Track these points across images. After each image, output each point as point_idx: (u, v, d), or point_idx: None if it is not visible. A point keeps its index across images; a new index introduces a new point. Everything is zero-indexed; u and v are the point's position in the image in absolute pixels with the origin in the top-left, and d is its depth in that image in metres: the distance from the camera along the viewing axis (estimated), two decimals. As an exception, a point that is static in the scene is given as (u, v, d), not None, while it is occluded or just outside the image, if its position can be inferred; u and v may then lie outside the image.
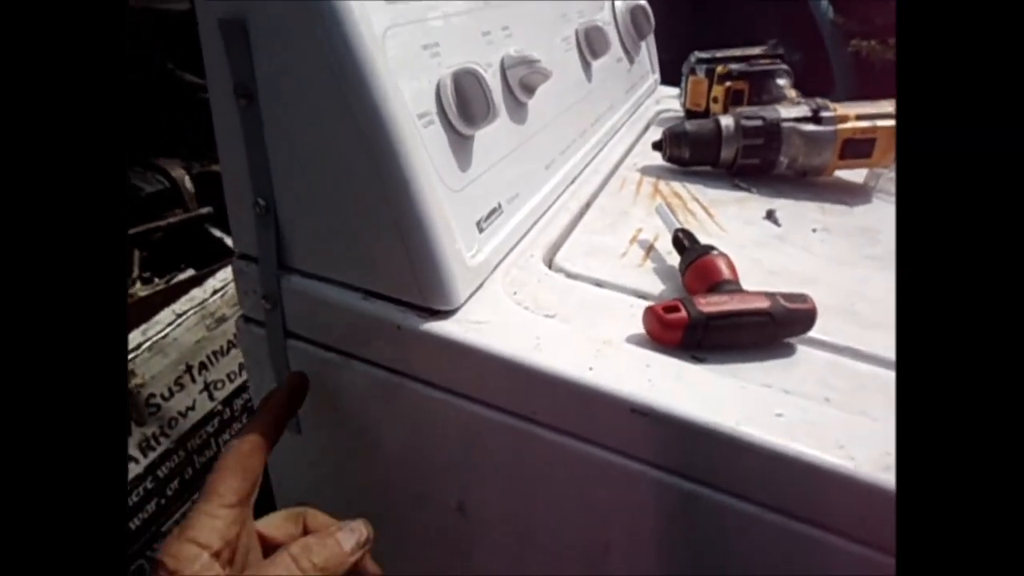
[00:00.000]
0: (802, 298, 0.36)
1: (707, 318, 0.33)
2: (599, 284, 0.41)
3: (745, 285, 0.40)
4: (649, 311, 0.35)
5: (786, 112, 0.57)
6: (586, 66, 0.61)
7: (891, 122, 0.56)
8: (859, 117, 0.56)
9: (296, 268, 0.37)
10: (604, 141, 0.64)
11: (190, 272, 0.88)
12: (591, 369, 0.32)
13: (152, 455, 0.65)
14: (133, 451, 0.63)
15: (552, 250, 0.45)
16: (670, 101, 0.85)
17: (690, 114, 0.77)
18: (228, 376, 0.73)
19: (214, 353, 0.71)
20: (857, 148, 0.56)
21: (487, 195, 0.40)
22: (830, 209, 0.55)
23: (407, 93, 0.33)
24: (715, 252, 0.40)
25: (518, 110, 0.45)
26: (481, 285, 0.38)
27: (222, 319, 0.72)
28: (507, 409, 0.34)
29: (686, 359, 0.34)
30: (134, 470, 0.63)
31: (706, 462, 0.30)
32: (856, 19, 2.02)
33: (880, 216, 0.54)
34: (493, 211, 0.40)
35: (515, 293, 0.38)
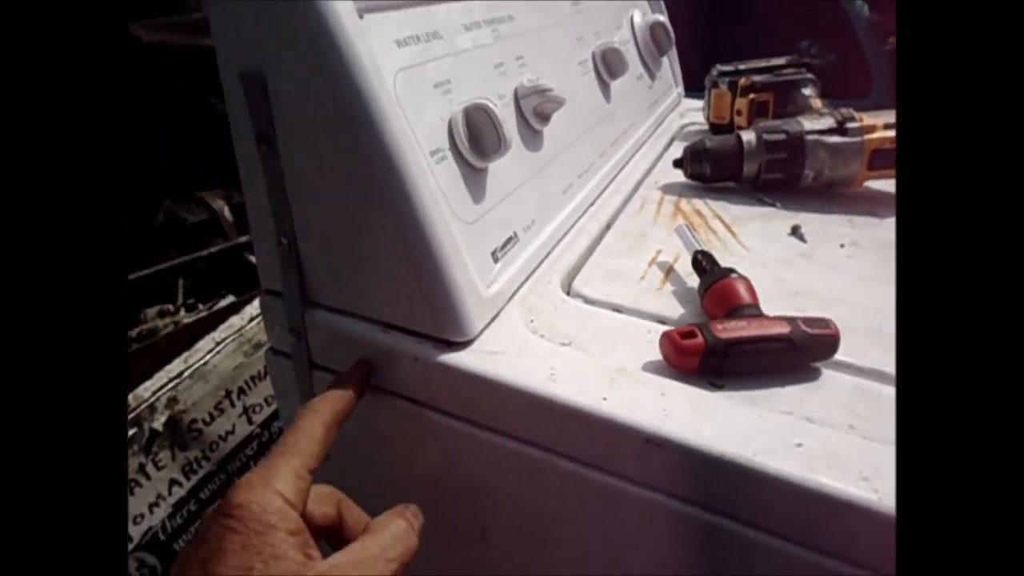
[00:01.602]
0: (824, 323, 0.35)
1: (725, 345, 0.33)
2: (617, 309, 0.41)
3: (768, 306, 0.39)
4: (665, 337, 0.35)
5: (810, 124, 0.56)
6: (604, 87, 0.62)
7: (922, 130, 0.54)
8: (887, 126, 0.55)
9: (319, 303, 0.38)
10: (625, 160, 0.64)
11: (230, 299, 0.92)
12: (605, 399, 0.32)
13: (195, 478, 0.67)
14: (177, 475, 0.66)
15: (570, 275, 0.45)
16: (694, 114, 0.84)
17: (714, 127, 0.76)
18: (265, 400, 0.76)
19: (252, 378, 0.73)
20: (887, 158, 0.55)
21: (502, 225, 0.40)
22: (859, 222, 0.54)
23: (419, 131, 0.34)
24: (734, 275, 0.39)
25: (533, 138, 0.46)
26: (498, 314, 0.38)
27: (259, 345, 0.74)
28: (523, 438, 0.34)
29: (704, 386, 0.34)
30: (178, 493, 0.65)
31: (725, 493, 0.30)
32: (892, 16, 1.96)
33: (913, 228, 0.52)
34: (509, 240, 0.41)
35: (532, 321, 0.39)
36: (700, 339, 0.33)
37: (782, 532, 0.29)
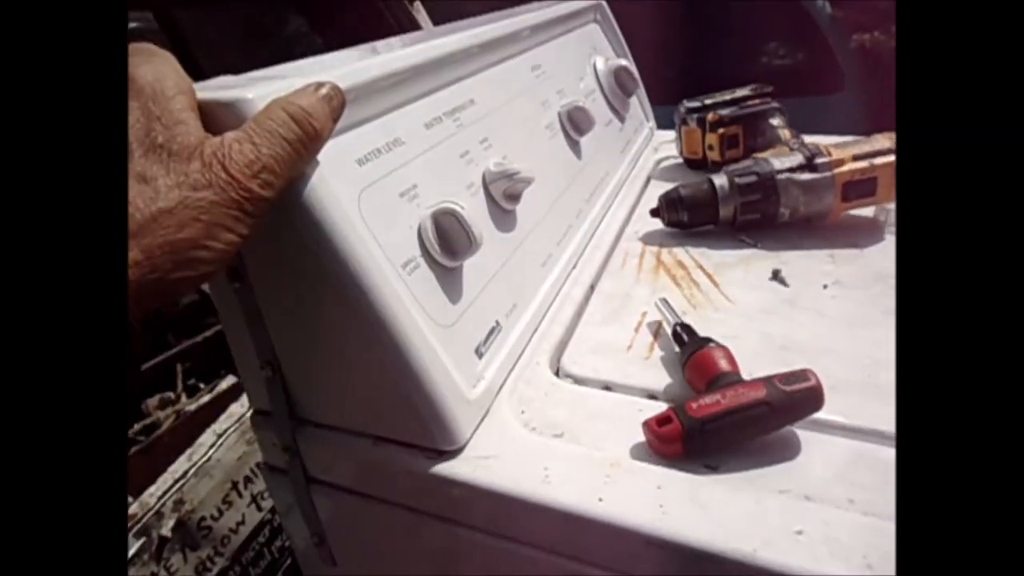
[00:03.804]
0: (802, 376, 0.35)
1: (701, 423, 0.33)
2: (607, 387, 0.41)
3: (757, 365, 0.39)
4: (645, 427, 0.35)
5: (779, 163, 0.56)
6: (574, 145, 0.62)
7: (890, 158, 0.54)
8: (856, 158, 0.55)
9: (309, 420, 0.38)
10: (603, 212, 0.64)
11: (231, 379, 0.92)
12: (601, 500, 0.32)
13: (211, 575, 0.67)
14: (190, 574, 0.65)
15: (558, 350, 0.45)
16: (668, 147, 0.85)
17: (689, 162, 0.77)
18: (273, 484, 0.75)
19: (257, 465, 0.73)
20: (859, 189, 0.55)
21: (484, 317, 0.40)
22: (840, 255, 0.54)
23: (388, 246, 0.35)
24: (712, 345, 0.39)
25: (505, 219, 0.46)
26: (488, 411, 0.38)
27: (261, 430, 0.74)
28: (524, 541, 0.34)
29: (698, 470, 0.33)
30: (193, 594, 0.65)
31: (731, 588, 0.30)
32: (854, 11, 1.99)
33: (890, 254, 0.53)
34: (492, 331, 0.41)
35: (523, 412, 0.39)
36: (676, 423, 0.33)
37: (793, 623, 0.29)
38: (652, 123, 0.90)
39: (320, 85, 0.30)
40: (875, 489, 0.32)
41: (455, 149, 0.44)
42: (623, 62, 0.78)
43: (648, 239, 0.60)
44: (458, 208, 0.37)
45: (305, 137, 0.29)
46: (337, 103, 0.31)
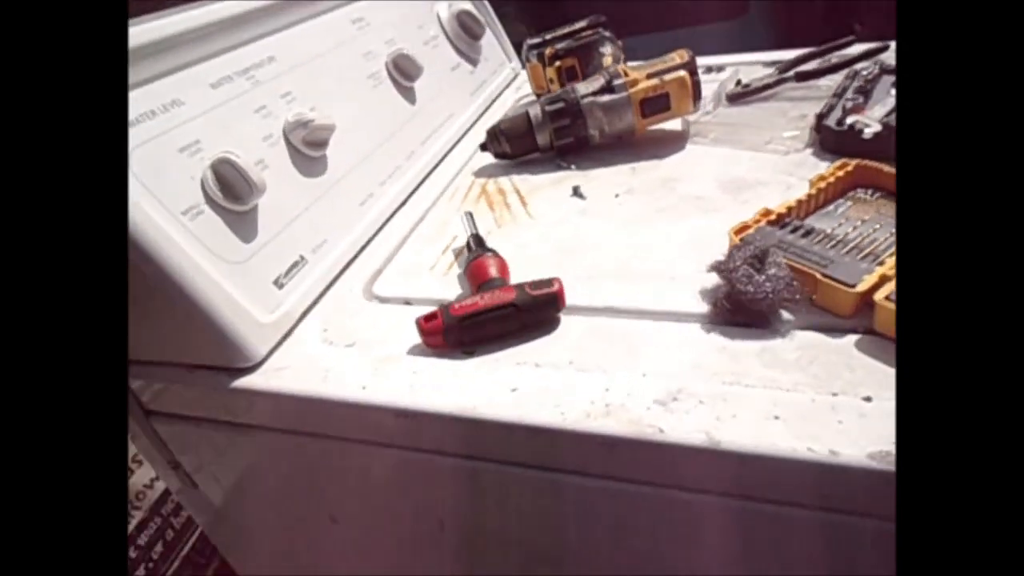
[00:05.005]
0: (549, 284, 0.41)
1: (458, 320, 0.39)
2: (407, 302, 0.47)
3: (534, 267, 0.45)
4: (416, 323, 0.40)
5: (584, 89, 0.61)
6: (405, 91, 0.66)
7: (678, 73, 0.60)
8: (649, 76, 0.60)
9: (136, 359, 0.43)
10: (444, 152, 0.69)
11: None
12: (364, 388, 0.38)
13: (130, 527, 0.73)
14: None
15: (373, 277, 0.50)
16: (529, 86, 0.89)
17: (540, 98, 0.81)
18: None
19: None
20: (654, 104, 0.60)
21: (284, 253, 0.45)
22: (641, 167, 0.60)
23: (166, 196, 0.39)
24: (488, 254, 0.45)
25: (311, 165, 0.51)
26: (291, 332, 0.44)
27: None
28: (311, 433, 0.40)
29: (458, 356, 0.40)
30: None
31: (465, 440, 0.36)
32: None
33: (685, 161, 0.59)
34: (295, 264, 0.46)
35: (325, 331, 0.44)
36: (439, 320, 0.39)
37: (513, 459, 0.36)
38: (515, 63, 0.94)
39: None
40: (595, 351, 0.38)
41: (249, 105, 0.48)
42: (466, 6, 0.81)
43: (480, 173, 0.65)
44: (234, 157, 0.42)
45: None
46: None
